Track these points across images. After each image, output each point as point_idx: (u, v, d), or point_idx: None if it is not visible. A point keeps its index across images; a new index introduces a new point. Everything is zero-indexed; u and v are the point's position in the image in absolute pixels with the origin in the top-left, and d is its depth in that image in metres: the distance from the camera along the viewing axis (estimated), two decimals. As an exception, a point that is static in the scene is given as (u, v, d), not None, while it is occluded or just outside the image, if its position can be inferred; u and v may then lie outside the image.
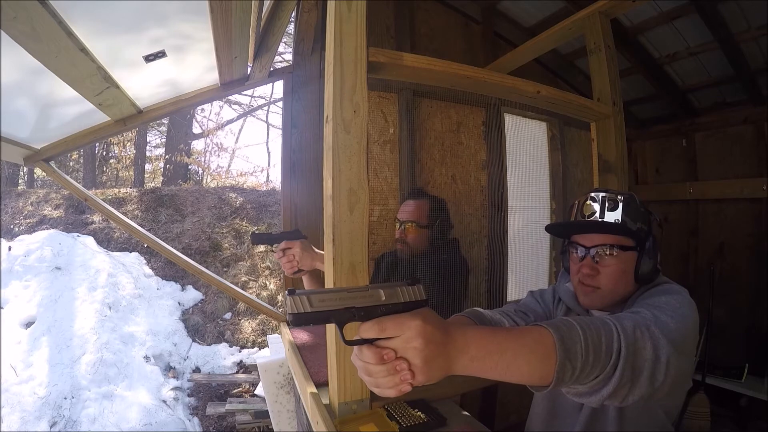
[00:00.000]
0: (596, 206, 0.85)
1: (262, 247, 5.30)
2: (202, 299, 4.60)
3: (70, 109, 1.35)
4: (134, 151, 8.50)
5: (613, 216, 0.83)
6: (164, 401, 3.36)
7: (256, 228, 5.53)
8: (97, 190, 6.43)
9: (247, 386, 3.70)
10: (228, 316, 4.52)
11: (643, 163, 3.03)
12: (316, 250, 1.32)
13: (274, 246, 1.33)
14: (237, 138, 10.23)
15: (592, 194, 0.86)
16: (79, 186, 1.69)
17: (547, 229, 1.00)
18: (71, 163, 8.53)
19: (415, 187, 1.75)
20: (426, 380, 0.49)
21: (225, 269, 4.96)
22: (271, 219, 5.72)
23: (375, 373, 0.49)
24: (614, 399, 0.61)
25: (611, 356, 0.59)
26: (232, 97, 8.89)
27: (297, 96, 1.75)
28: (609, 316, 0.68)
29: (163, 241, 1.81)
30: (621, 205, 0.83)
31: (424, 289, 0.53)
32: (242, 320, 4.49)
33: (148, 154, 8.86)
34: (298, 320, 0.47)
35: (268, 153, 11.43)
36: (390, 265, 1.53)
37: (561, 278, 1.00)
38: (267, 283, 4.90)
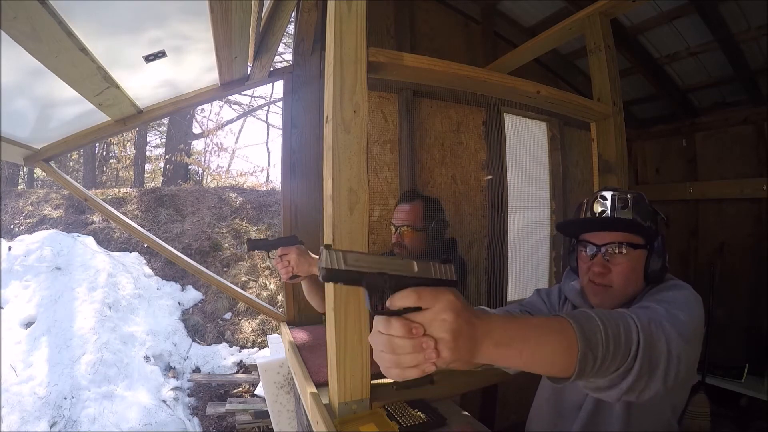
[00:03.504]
0: (607, 204, 0.85)
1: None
2: (202, 299, 4.60)
3: (70, 109, 1.36)
4: (134, 151, 8.50)
5: (624, 214, 0.83)
6: (164, 401, 3.36)
7: (255, 228, 5.52)
8: (97, 190, 6.43)
9: (247, 386, 3.70)
10: (228, 316, 4.52)
11: (643, 163, 3.03)
12: (313, 255, 1.32)
13: (271, 252, 1.33)
14: (237, 138, 10.25)
15: (603, 192, 0.86)
16: (79, 186, 1.70)
17: (558, 227, 1.00)
18: (71, 163, 8.53)
19: (408, 189, 1.74)
20: (452, 358, 0.47)
21: (225, 269, 4.96)
22: (271, 219, 5.71)
23: (400, 348, 0.47)
24: (631, 393, 0.60)
25: (630, 348, 0.59)
26: (232, 97, 8.90)
27: (297, 96, 1.75)
28: (623, 309, 0.67)
29: (163, 241, 1.81)
30: (631, 203, 0.83)
31: (454, 270, 0.52)
32: (242, 320, 4.49)
33: (148, 154, 8.87)
34: (330, 275, 0.46)
35: (268, 153, 11.45)
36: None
37: (566, 277, 1.00)
38: (267, 283, 4.90)
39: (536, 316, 0.85)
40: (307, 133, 1.76)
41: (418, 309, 0.48)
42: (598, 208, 0.86)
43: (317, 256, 1.33)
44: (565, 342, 0.55)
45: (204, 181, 8.87)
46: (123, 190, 6.03)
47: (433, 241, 1.46)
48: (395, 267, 0.49)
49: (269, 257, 1.34)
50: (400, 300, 0.48)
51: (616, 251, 0.83)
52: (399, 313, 0.48)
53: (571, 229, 0.98)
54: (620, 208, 0.83)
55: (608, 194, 0.85)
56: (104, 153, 8.56)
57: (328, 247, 0.46)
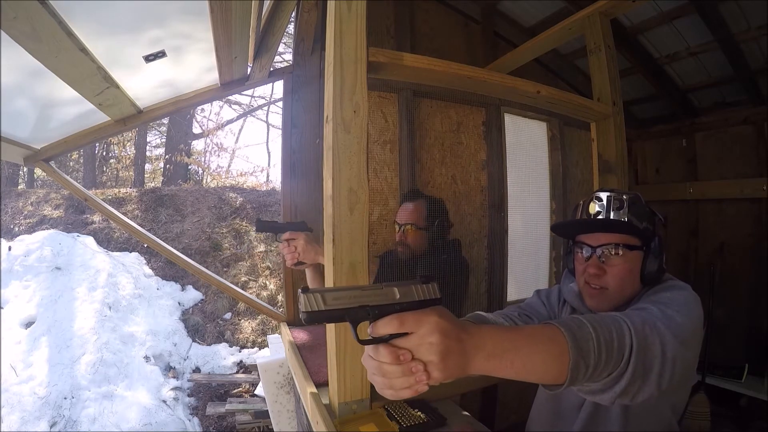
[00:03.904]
0: (602, 205, 0.84)
1: (262, 246, 5.32)
2: (202, 299, 4.60)
3: (70, 109, 1.36)
4: (134, 151, 8.50)
5: (619, 215, 0.83)
6: (164, 401, 3.36)
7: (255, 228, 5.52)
8: (97, 190, 6.43)
9: (247, 386, 3.70)
10: (228, 316, 4.52)
11: (643, 163, 3.02)
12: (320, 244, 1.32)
13: (278, 235, 1.33)
14: (237, 138, 10.24)
15: (598, 194, 0.86)
16: (79, 186, 1.70)
17: (553, 228, 1.00)
18: (71, 163, 8.53)
19: (412, 189, 1.74)
20: (443, 377, 0.48)
21: (225, 269, 4.96)
22: (270, 219, 5.71)
23: (390, 373, 0.47)
24: (625, 396, 0.61)
25: (623, 353, 0.59)
26: (232, 97, 8.89)
27: (297, 96, 1.75)
28: (617, 312, 0.68)
29: (163, 241, 1.81)
30: (626, 204, 0.83)
31: (438, 288, 0.52)
32: (242, 320, 4.49)
33: (148, 154, 8.87)
34: (311, 318, 0.46)
35: (268, 153, 11.43)
36: (392, 266, 1.53)
37: (565, 279, 0.99)
38: (267, 283, 4.90)
39: (529, 324, 0.85)
40: (307, 133, 1.76)
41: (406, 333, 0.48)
42: (593, 210, 0.85)
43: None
44: (556, 351, 0.55)
45: (204, 181, 8.87)
46: (123, 190, 6.03)
47: (436, 241, 1.46)
48: (376, 297, 0.48)
49: (276, 240, 1.34)
50: (383, 328, 0.48)
51: (612, 253, 0.83)
52: (387, 339, 0.48)
53: (565, 230, 0.97)
54: (616, 209, 0.83)
55: (604, 195, 0.85)
56: (104, 153, 8.56)
57: (305, 290, 0.46)
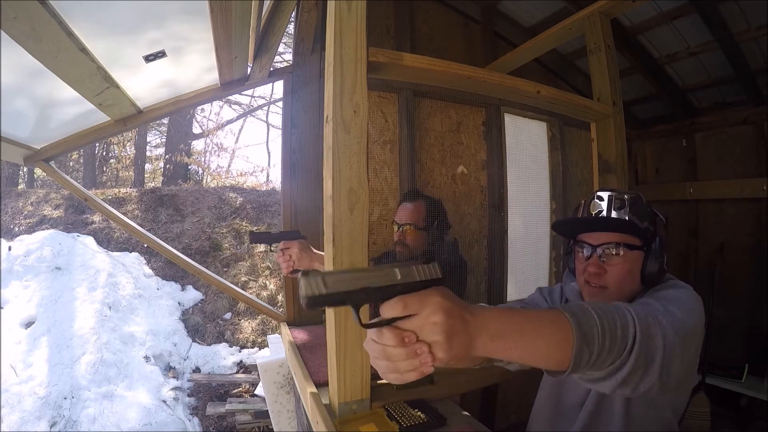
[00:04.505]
0: (603, 204, 0.84)
1: (261, 247, 5.32)
2: (202, 299, 4.60)
3: (70, 109, 1.36)
4: (134, 151, 8.50)
5: (620, 214, 0.83)
6: (164, 401, 3.36)
7: (255, 228, 5.53)
8: (97, 190, 6.43)
9: (247, 386, 3.70)
10: (228, 316, 4.52)
11: (643, 163, 3.02)
12: (315, 251, 1.32)
13: (273, 246, 1.34)
14: (237, 138, 10.23)
15: (600, 193, 0.86)
16: (79, 186, 1.70)
17: (554, 226, 0.99)
18: (71, 163, 8.53)
19: (411, 189, 1.75)
20: (448, 358, 0.47)
21: (225, 269, 4.96)
22: (271, 219, 5.72)
23: (394, 356, 0.47)
24: (626, 386, 0.61)
25: (627, 342, 0.59)
26: (232, 97, 8.89)
27: (297, 96, 1.75)
28: (622, 302, 0.67)
29: (163, 241, 1.81)
30: (628, 203, 0.83)
31: (439, 268, 0.51)
32: (242, 320, 4.49)
33: (148, 154, 8.87)
34: (312, 302, 0.45)
35: (268, 153, 11.43)
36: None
37: (566, 278, 1.00)
38: (267, 283, 4.90)
39: (531, 309, 0.85)
40: (307, 133, 1.76)
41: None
42: (594, 209, 0.85)
43: (319, 252, 1.34)
44: (560, 335, 0.55)
45: (204, 181, 8.87)
46: (123, 190, 6.03)
47: (435, 241, 1.46)
48: (378, 279, 0.48)
49: (271, 250, 1.34)
50: (387, 311, 0.47)
51: (613, 252, 0.83)
52: (390, 321, 0.47)
53: (566, 228, 0.97)
54: (617, 209, 0.83)
55: (605, 195, 0.85)
56: (104, 153, 8.56)
57: (305, 273, 0.45)
